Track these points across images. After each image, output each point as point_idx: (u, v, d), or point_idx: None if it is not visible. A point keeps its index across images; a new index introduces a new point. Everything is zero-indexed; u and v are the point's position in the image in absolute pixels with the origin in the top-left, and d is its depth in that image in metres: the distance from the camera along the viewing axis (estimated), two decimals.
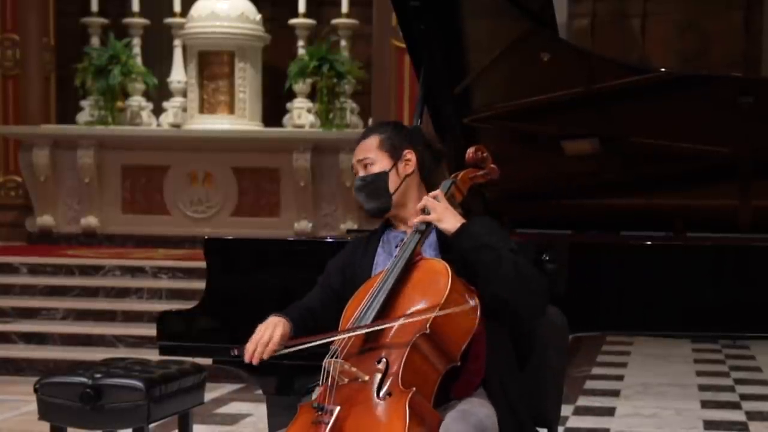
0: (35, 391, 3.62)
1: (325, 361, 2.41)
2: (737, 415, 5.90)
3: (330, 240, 3.57)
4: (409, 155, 2.68)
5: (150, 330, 4.45)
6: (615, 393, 6.57)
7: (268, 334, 2.51)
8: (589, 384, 6.87)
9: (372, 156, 2.68)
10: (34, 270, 8.12)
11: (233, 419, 5.62)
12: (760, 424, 5.70)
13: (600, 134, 3.53)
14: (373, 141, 2.69)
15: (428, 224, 2.56)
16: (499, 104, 3.66)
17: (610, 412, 5.98)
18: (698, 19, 9.93)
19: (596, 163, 3.62)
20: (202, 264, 3.31)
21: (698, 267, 3.19)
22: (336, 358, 2.40)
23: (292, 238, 6.42)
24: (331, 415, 2.32)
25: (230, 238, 3.48)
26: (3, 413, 5.70)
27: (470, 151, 2.75)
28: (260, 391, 3.27)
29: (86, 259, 8.27)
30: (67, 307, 7.57)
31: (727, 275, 3.19)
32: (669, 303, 3.16)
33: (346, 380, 2.39)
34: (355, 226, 8.55)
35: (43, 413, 3.60)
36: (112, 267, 8.09)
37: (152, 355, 4.01)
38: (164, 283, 7.92)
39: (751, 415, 5.90)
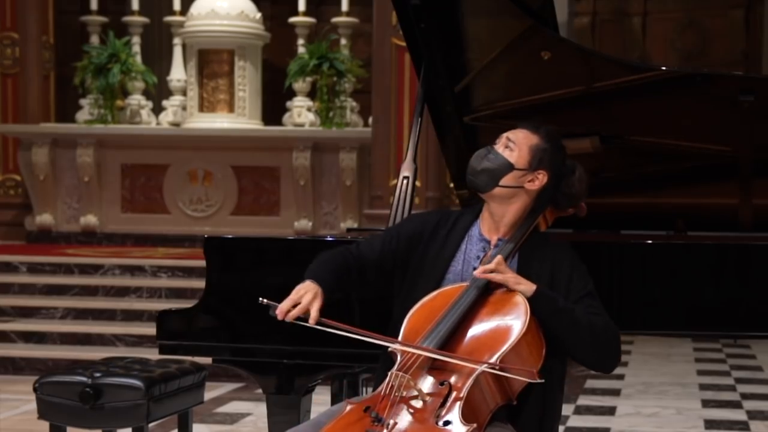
0: (34, 390, 3.61)
1: (391, 372, 2.38)
2: (738, 414, 5.89)
3: (330, 239, 3.56)
4: (542, 176, 2.62)
5: (149, 329, 4.44)
6: (615, 392, 6.57)
7: (306, 303, 2.46)
8: (590, 383, 6.86)
9: (519, 145, 2.62)
10: (34, 269, 8.11)
11: (233, 418, 5.61)
12: (761, 423, 5.69)
13: (600, 133, 3.52)
14: (533, 138, 2.63)
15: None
16: (500, 103, 3.64)
17: (610, 411, 5.98)
18: (699, 17, 9.93)
19: (597, 161, 3.61)
20: (202, 263, 3.30)
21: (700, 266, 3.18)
22: (404, 371, 2.37)
23: (292, 237, 6.41)
24: (386, 428, 2.29)
25: (230, 236, 3.47)
26: (2, 412, 5.69)
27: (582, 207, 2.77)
28: (260, 390, 3.26)
29: (85, 258, 8.26)
30: (67, 306, 7.57)
31: (729, 274, 3.18)
32: (671, 302, 3.15)
33: (405, 393, 2.35)
34: (356, 225, 8.54)
35: (43, 412, 3.59)
36: (111, 266, 8.08)
37: (152, 354, 4.00)
38: (164, 281, 7.92)
39: (752, 414, 5.89)
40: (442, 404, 2.33)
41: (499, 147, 2.64)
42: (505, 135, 2.67)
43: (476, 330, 2.45)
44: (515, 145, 2.62)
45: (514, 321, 2.42)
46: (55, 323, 7.40)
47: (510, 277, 2.50)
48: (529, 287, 2.48)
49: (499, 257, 2.52)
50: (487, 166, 2.61)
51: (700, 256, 3.20)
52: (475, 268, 2.57)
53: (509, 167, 2.60)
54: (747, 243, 3.23)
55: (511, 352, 2.38)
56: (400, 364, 2.41)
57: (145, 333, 6.87)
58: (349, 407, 2.41)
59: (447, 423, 2.30)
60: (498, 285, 2.51)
